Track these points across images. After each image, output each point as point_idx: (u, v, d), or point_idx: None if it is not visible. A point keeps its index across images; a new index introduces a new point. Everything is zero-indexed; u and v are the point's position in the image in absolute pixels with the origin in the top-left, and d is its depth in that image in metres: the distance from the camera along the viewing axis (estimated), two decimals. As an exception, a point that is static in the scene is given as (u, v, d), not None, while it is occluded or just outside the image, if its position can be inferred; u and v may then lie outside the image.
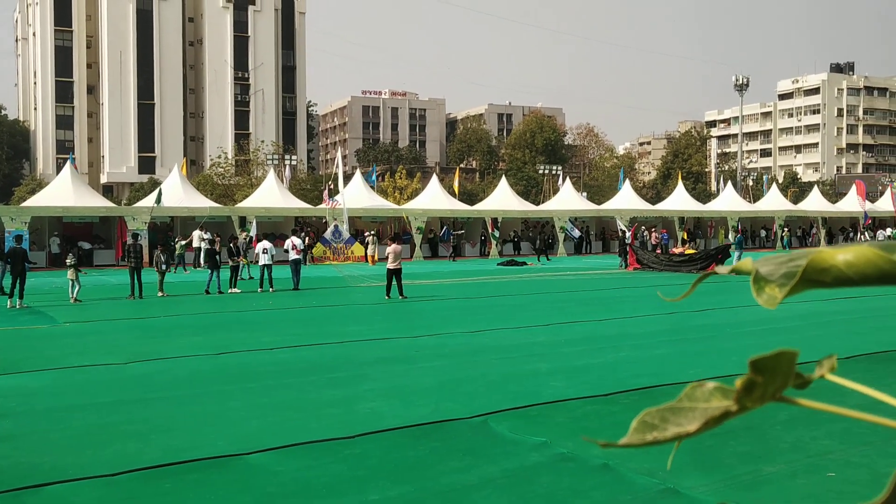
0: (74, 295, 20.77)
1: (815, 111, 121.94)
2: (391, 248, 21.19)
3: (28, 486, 6.18)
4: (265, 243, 24.80)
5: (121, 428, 7.89)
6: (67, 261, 21.59)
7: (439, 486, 6.13)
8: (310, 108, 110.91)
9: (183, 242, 34.53)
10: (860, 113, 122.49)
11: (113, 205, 43.30)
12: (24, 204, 40.62)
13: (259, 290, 23.66)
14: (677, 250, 37.23)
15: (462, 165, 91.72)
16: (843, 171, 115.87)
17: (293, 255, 24.49)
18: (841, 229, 57.86)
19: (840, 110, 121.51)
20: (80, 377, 10.65)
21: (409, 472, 6.45)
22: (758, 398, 0.40)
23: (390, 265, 20.90)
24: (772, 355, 0.39)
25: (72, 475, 6.41)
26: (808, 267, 0.40)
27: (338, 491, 6.00)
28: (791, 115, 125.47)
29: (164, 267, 23.16)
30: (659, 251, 37.54)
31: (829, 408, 0.43)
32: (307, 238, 36.36)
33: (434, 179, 49.86)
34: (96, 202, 39.67)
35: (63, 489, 6.13)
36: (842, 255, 0.39)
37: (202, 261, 32.74)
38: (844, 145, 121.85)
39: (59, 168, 65.09)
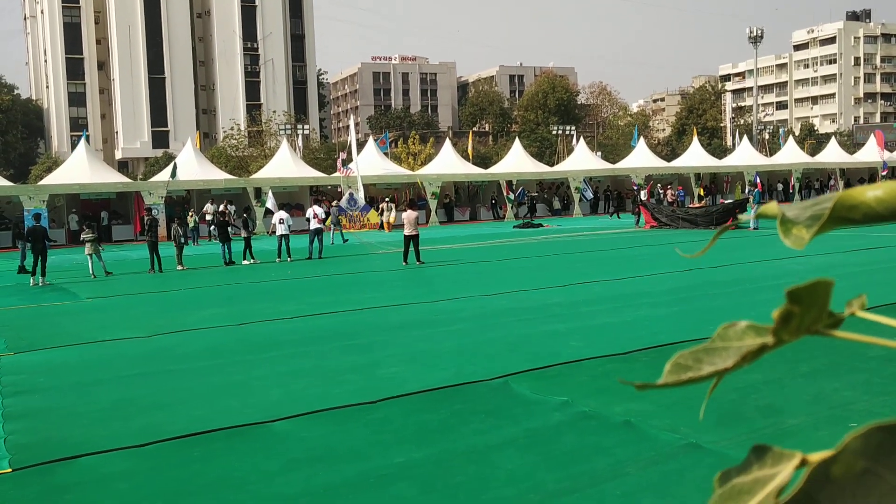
0: (95, 270, 21.02)
1: (832, 61, 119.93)
2: (406, 215, 21.19)
3: (59, 458, 6.31)
4: (282, 213, 24.86)
5: (147, 400, 8.01)
6: (83, 236, 21.74)
7: (462, 447, 6.19)
8: (320, 77, 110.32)
9: (196, 217, 34.74)
10: (877, 61, 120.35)
11: (129, 180, 43.50)
12: (42, 182, 40.88)
13: (277, 259, 23.79)
14: (694, 206, 36.97)
15: (475, 129, 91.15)
16: (861, 121, 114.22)
17: (314, 224, 24.52)
18: (860, 180, 57.20)
19: (857, 59, 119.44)
20: (104, 351, 10.80)
21: (432, 435, 6.52)
22: (794, 330, 0.40)
23: (407, 231, 20.93)
24: (808, 285, 0.39)
25: (101, 447, 6.53)
26: (838, 204, 0.40)
27: (362, 455, 6.08)
28: (807, 66, 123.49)
29: (182, 240, 23.32)
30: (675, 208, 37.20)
31: (868, 338, 0.43)
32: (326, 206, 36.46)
33: (447, 144, 49.64)
34: (112, 178, 39.88)
35: (94, 461, 6.25)
36: (871, 192, 0.39)
37: (215, 233, 33.04)
38: (862, 95, 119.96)
39: (73, 145, 65.30)
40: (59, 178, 38.68)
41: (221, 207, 34.25)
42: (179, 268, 22.49)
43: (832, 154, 59.74)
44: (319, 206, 26.46)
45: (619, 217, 36.31)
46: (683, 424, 6.48)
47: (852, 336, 0.42)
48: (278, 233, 24.23)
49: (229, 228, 24.26)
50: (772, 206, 0.42)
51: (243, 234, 24.35)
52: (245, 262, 23.52)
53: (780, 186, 54.12)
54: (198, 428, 6.89)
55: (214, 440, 6.58)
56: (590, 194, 46.75)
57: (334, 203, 35.06)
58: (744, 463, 0.40)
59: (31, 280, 20.05)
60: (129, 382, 8.83)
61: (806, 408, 6.82)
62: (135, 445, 6.53)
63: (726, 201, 37.46)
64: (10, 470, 6.10)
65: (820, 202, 0.38)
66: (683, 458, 5.78)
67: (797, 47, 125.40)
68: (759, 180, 48.17)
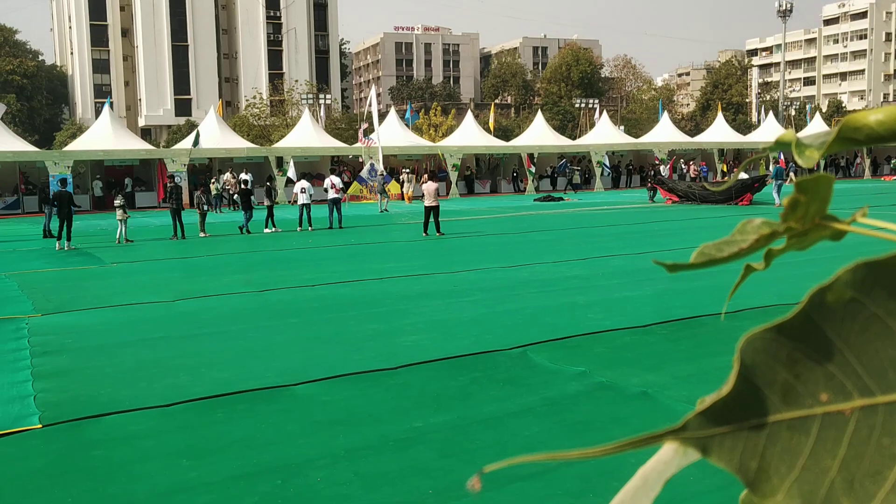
0: (120, 236, 21.32)
1: (862, 36, 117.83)
2: (426, 186, 21.25)
3: (88, 416, 6.48)
4: (303, 182, 24.99)
5: (172, 362, 8.18)
6: (116, 202, 22.08)
7: (481, 414, 6.30)
8: (342, 47, 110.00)
9: (218, 185, 35.00)
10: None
11: (152, 147, 43.80)
12: (66, 148, 41.25)
13: (298, 228, 23.96)
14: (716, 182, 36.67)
15: (497, 101, 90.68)
16: (891, 98, 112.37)
17: (332, 195, 24.67)
18: (886, 158, 56.42)
19: (888, 35, 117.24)
20: (130, 315, 10.99)
21: (451, 401, 6.62)
22: (800, 217, 0.45)
23: (427, 203, 21.00)
24: (812, 178, 0.45)
25: (128, 406, 6.70)
26: (844, 127, 0.45)
27: (383, 419, 6.20)
28: (836, 42, 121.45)
29: (205, 208, 23.54)
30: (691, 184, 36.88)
31: (870, 231, 0.50)
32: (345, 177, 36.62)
33: (469, 116, 49.46)
34: (136, 145, 40.17)
35: (121, 419, 6.42)
36: (873, 116, 0.44)
37: (236, 201, 33.38)
38: (892, 71, 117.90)
39: (97, 112, 65.72)
40: (84, 144, 39.02)
41: (243, 176, 34.50)
42: (202, 235, 22.72)
43: (859, 131, 58.87)
44: (337, 175, 26.58)
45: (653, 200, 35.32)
46: (699, 396, 6.52)
47: (855, 229, 0.49)
48: (300, 202, 24.38)
49: (252, 197, 24.44)
50: (787, 134, 0.49)
51: (266, 202, 24.53)
52: (267, 231, 23.71)
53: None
54: (222, 390, 7.04)
55: (238, 402, 6.73)
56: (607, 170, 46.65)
57: (373, 170, 35.44)
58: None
59: (57, 244, 20.35)
60: (153, 345, 9.01)
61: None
62: (160, 405, 6.69)
63: (742, 176, 36.93)
64: (40, 426, 6.28)
65: (828, 131, 0.47)
66: (699, 428, 5.84)
67: (827, 22, 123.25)
68: (782, 157, 47.69)
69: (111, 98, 62.98)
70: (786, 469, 0.38)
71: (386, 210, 31.39)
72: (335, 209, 24.54)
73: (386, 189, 34.99)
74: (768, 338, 0.40)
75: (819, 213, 0.46)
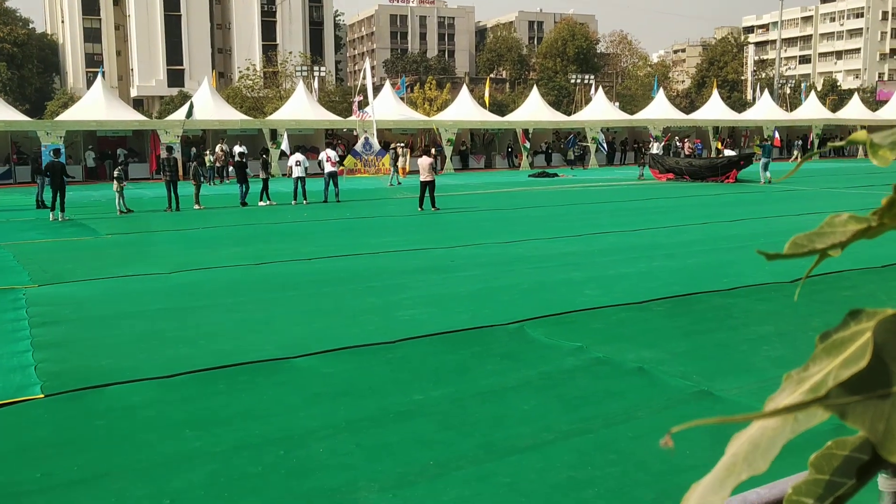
0: (120, 206, 21.34)
1: (859, 14, 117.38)
2: (421, 161, 21.24)
3: (89, 386, 6.53)
4: (298, 156, 24.90)
5: (171, 334, 8.22)
6: (116, 172, 22.10)
7: (479, 387, 6.38)
8: (337, 18, 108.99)
9: (212, 157, 34.87)
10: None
11: (145, 118, 43.47)
12: (58, 118, 40.92)
13: (293, 202, 23.92)
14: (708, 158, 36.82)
15: (492, 76, 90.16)
16: (886, 77, 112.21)
17: (329, 168, 24.58)
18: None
19: (885, 14, 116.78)
20: (127, 286, 11.02)
21: (449, 375, 6.70)
22: (894, 215, 0.48)
23: (423, 178, 20.99)
24: None
25: (129, 377, 6.75)
26: None
27: (383, 391, 6.28)
28: (833, 20, 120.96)
29: (200, 179, 23.47)
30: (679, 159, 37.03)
31: None
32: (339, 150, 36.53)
33: (464, 90, 49.20)
34: (129, 116, 39.86)
35: (122, 389, 6.48)
36: None
37: (229, 174, 33.31)
38: (888, 50, 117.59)
39: (89, 82, 65.13)
40: (76, 114, 38.70)
41: (237, 148, 34.35)
42: (196, 207, 22.67)
43: (854, 111, 58.92)
44: (333, 149, 26.49)
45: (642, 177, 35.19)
46: (695, 372, 6.64)
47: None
48: (294, 175, 24.30)
49: (246, 170, 24.36)
50: (861, 134, 0.54)
51: (262, 175, 24.47)
52: (262, 204, 23.67)
53: (798, 142, 53.52)
54: (222, 362, 7.10)
55: (239, 374, 6.79)
56: (604, 147, 46.60)
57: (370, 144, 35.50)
58: (841, 323, 0.50)
59: (51, 215, 20.28)
60: (153, 316, 9.04)
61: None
62: (162, 376, 6.75)
63: (728, 153, 37.22)
64: (42, 396, 6.33)
65: None
66: (695, 404, 5.94)
67: None
68: (777, 136, 47.75)
69: (103, 68, 62.41)
70: None
71: (399, 184, 31.39)
72: (332, 182, 24.47)
73: (382, 163, 34.97)
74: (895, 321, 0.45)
75: None
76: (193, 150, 35.64)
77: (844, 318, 0.51)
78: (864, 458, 0.50)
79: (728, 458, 0.51)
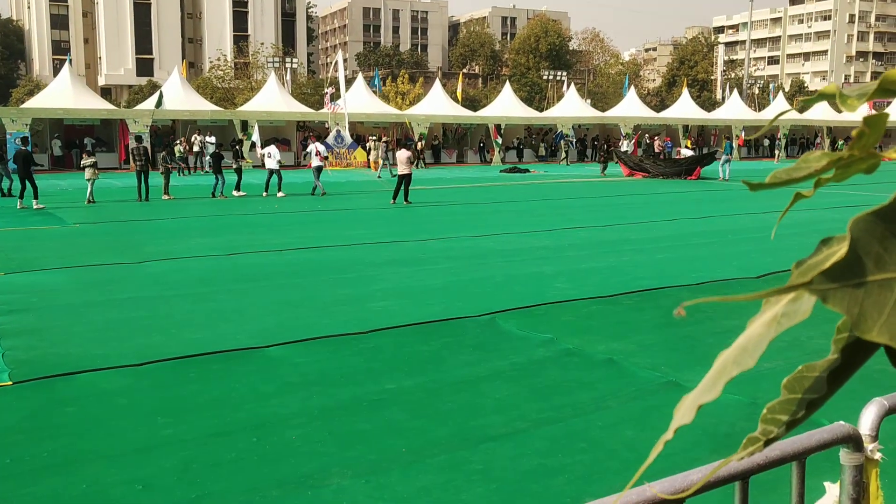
0: (90, 195, 21.08)
1: (827, 17, 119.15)
2: (399, 154, 21.27)
3: (59, 373, 6.49)
4: (271, 148, 24.73)
5: (142, 322, 8.18)
6: (83, 162, 21.72)
7: (451, 377, 6.44)
8: (309, 10, 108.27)
9: (182, 147, 34.53)
10: (872, 20, 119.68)
11: (114, 107, 42.90)
12: (24, 105, 40.24)
13: (264, 193, 23.76)
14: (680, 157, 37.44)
15: (465, 71, 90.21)
16: (852, 79, 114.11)
17: (316, 162, 24.27)
18: (846, 139, 57.49)
19: (852, 16, 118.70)
20: (96, 275, 10.92)
21: (422, 365, 6.75)
22: (863, 146, 0.55)
23: (401, 170, 21.05)
24: (876, 115, 0.54)
25: (100, 365, 6.71)
26: (884, 80, 0.56)
27: (355, 381, 6.31)
28: (801, 22, 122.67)
29: (170, 170, 23.24)
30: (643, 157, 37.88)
31: None
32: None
33: (437, 85, 49.19)
34: (96, 104, 39.30)
35: (92, 377, 6.44)
36: None
37: (206, 164, 33.04)
38: (854, 53, 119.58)
39: (55, 69, 64.11)
40: (42, 101, 38.07)
41: (209, 138, 34.07)
42: (165, 197, 22.46)
43: (820, 112, 59.84)
44: (319, 142, 26.34)
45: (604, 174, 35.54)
46: (663, 364, 6.76)
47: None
48: (267, 167, 24.10)
49: (221, 161, 24.12)
50: (830, 87, 0.60)
51: (234, 165, 24.28)
52: (235, 194, 23.50)
53: (766, 142, 54.28)
54: (194, 350, 7.08)
55: (211, 362, 6.78)
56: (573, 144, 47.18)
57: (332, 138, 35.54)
58: (815, 251, 0.56)
59: (19, 203, 19.97)
60: (122, 305, 8.98)
61: (782, 353, 7.10)
62: (133, 364, 6.72)
63: (685, 152, 38.50)
64: (10, 383, 6.27)
65: (869, 84, 0.58)
66: (663, 394, 6.05)
67: (793, 1, 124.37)
68: (743, 135, 48.51)
69: (70, 55, 61.46)
70: (877, 315, 0.52)
71: (379, 178, 31.43)
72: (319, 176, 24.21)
73: (354, 157, 34.89)
74: (868, 220, 0.52)
75: (874, 144, 0.57)
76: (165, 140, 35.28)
77: (818, 245, 0.56)
78: (837, 363, 0.59)
79: (718, 364, 0.59)
